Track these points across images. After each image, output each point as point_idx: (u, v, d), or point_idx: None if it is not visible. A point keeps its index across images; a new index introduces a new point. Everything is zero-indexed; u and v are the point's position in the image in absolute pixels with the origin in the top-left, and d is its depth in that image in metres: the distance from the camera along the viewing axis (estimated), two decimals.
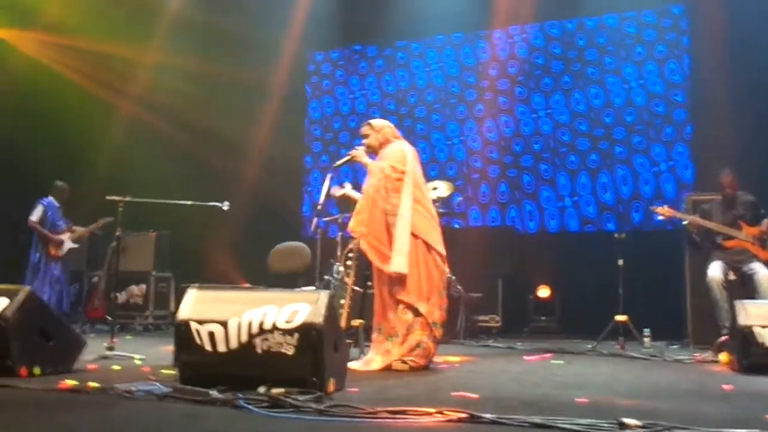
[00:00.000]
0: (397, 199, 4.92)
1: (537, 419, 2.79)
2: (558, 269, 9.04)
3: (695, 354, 6.06)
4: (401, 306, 4.83)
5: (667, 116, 9.23)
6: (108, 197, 5.77)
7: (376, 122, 5.34)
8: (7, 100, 9.49)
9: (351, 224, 5.07)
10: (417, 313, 4.82)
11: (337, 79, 11.20)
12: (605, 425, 2.69)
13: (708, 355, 5.87)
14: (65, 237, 8.10)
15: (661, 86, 9.30)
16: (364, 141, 5.28)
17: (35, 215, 8.00)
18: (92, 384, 3.61)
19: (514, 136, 9.97)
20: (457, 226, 9.55)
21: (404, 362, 4.74)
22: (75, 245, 8.24)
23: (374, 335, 5.02)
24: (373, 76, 10.93)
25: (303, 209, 10.87)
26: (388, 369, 4.72)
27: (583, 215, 9.51)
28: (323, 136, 11.10)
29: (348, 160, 5.35)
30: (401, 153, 5.11)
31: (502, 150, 10.00)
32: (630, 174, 9.32)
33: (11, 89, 9.54)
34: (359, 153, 5.26)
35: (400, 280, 4.82)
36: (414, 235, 4.89)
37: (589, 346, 6.57)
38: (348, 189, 5.55)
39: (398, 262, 4.78)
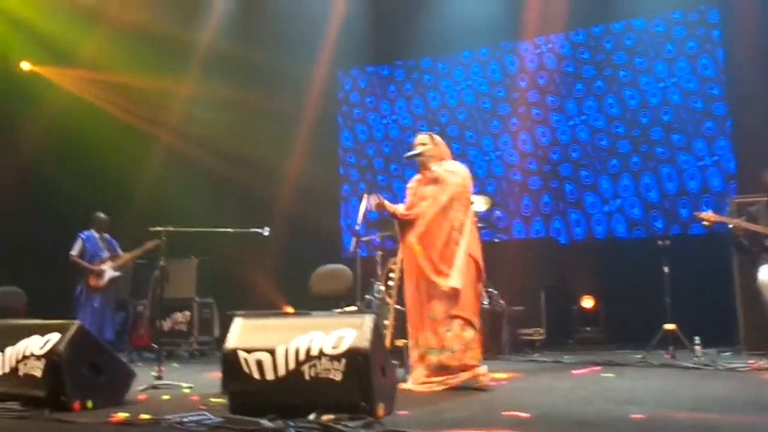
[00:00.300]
0: (464, 217, 4.95)
1: None
2: (601, 279, 8.91)
3: (749, 361, 5.91)
4: (459, 322, 4.79)
5: (705, 111, 9.10)
6: (151, 228, 5.86)
7: (437, 136, 5.30)
8: (49, 136, 9.71)
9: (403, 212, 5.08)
10: (474, 329, 4.81)
11: (367, 105, 11.24)
12: None
13: (764, 362, 5.71)
14: (106, 266, 8.17)
15: (695, 82, 9.18)
16: (422, 149, 5.17)
17: (74, 249, 8.13)
18: (144, 416, 3.65)
19: (551, 145, 9.90)
20: (497, 240, 9.48)
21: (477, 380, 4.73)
22: (117, 274, 8.23)
23: (413, 352, 4.98)
24: (403, 100, 10.94)
25: (340, 231, 10.91)
26: (444, 387, 4.69)
27: (629, 217, 9.37)
28: (358, 162, 11.16)
29: (417, 155, 5.20)
30: (468, 173, 5.16)
31: (540, 160, 9.93)
32: (674, 171, 9.18)
33: (52, 125, 9.76)
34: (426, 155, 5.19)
35: (455, 295, 4.80)
36: (470, 255, 4.90)
37: (639, 356, 6.45)
38: (382, 200, 5.48)
39: (457, 278, 4.79)
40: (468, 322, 4.80)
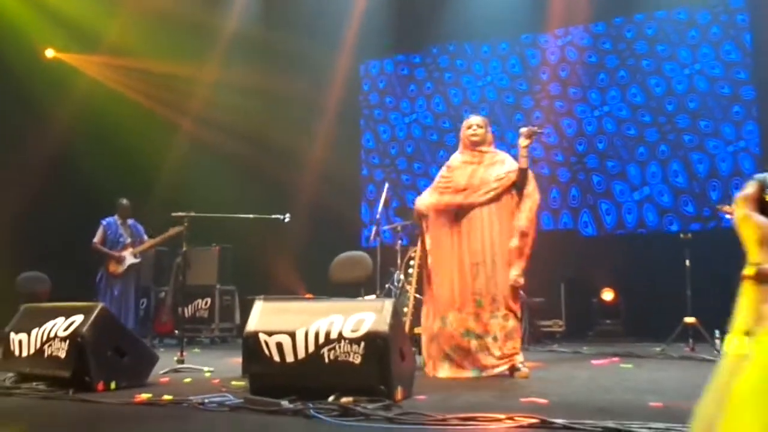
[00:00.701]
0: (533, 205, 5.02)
1: (610, 424, 2.74)
2: (621, 272, 8.86)
3: None
4: (504, 311, 4.81)
5: (733, 96, 9.01)
6: (173, 214, 5.92)
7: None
8: (74, 123, 9.83)
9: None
10: (517, 319, 4.86)
11: (389, 95, 11.22)
12: (682, 430, 2.62)
13: None
14: (126, 253, 8.18)
15: (721, 68, 9.10)
16: (478, 131, 5.15)
17: (96, 236, 8.17)
18: (166, 397, 3.71)
19: (577, 136, 9.84)
20: None
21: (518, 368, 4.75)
22: (136, 260, 8.17)
23: (431, 329, 4.96)
24: (423, 98, 10.93)
25: (361, 219, 10.93)
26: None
27: (659, 204, 9.29)
28: (380, 151, 11.15)
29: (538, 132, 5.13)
30: None
31: (566, 152, 9.88)
32: (705, 156, 9.09)
33: (77, 112, 9.88)
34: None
35: (514, 289, 4.86)
36: (530, 246, 5.02)
37: (658, 349, 6.42)
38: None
39: (520, 270, 4.88)
40: (513, 312, 4.82)
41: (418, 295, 6.21)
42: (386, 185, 7.77)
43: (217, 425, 3.06)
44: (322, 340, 3.52)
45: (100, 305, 4.41)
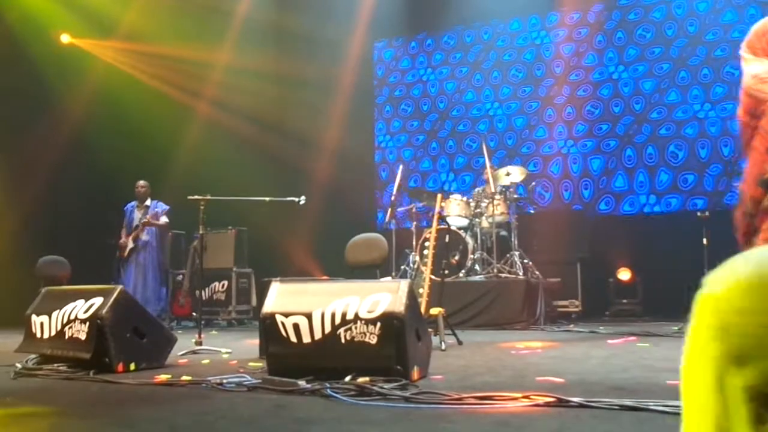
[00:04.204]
0: None
1: (628, 401, 2.74)
2: (638, 251, 8.84)
3: None
4: None
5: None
6: (189, 197, 5.94)
7: None
8: (90, 108, 9.89)
9: None
10: None
11: (404, 76, 11.21)
12: None
13: None
14: (130, 238, 8.17)
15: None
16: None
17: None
18: (185, 377, 3.76)
19: (599, 121, 9.78)
20: (532, 211, 9.44)
21: None
22: (131, 245, 8.10)
23: None
24: (437, 80, 10.89)
25: (376, 201, 10.95)
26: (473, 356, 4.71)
27: (683, 182, 9.23)
28: (394, 132, 11.14)
29: None
30: None
31: (586, 133, 9.85)
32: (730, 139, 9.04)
33: (93, 96, 9.93)
34: None
35: None
36: None
37: (675, 328, 6.40)
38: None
39: None
40: None
41: (433, 276, 6.22)
42: (401, 167, 7.78)
43: (235, 405, 3.09)
44: (338, 320, 3.54)
45: (119, 288, 4.46)
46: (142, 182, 8.31)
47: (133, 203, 8.34)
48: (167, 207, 8.21)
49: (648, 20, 9.62)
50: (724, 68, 9.07)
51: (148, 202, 8.31)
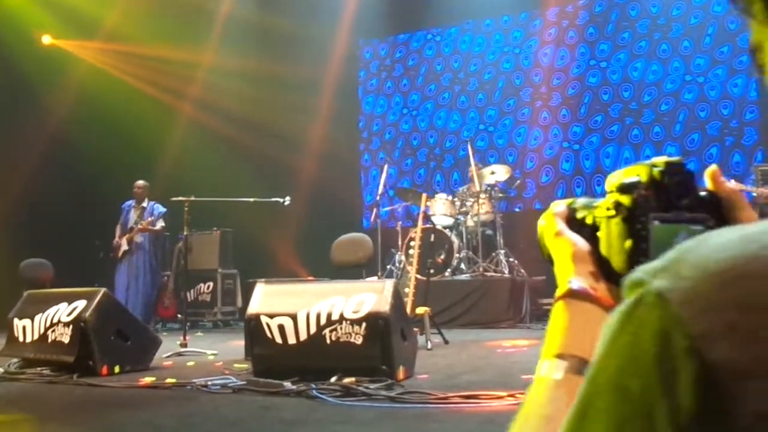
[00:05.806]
0: None
1: None
2: None
3: None
4: None
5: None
6: (173, 198, 5.92)
7: None
8: (72, 108, 9.80)
9: None
10: None
11: (387, 75, 11.19)
12: None
13: None
14: (124, 240, 8.05)
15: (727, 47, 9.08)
16: None
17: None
18: (170, 380, 3.74)
19: (573, 121, 9.83)
20: (518, 210, 9.46)
21: None
22: (125, 247, 7.99)
23: None
24: (421, 79, 10.89)
25: (361, 201, 10.94)
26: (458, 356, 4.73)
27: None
28: (379, 132, 11.13)
29: None
30: None
31: (564, 129, 9.89)
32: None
33: (75, 98, 9.85)
34: None
35: None
36: None
37: None
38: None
39: None
40: None
41: (419, 276, 6.23)
42: (386, 167, 7.78)
43: (220, 407, 3.08)
44: (323, 321, 3.54)
45: (102, 290, 4.43)
46: (140, 182, 8.17)
47: (131, 202, 8.20)
48: (164, 210, 8.03)
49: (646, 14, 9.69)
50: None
51: (145, 203, 8.15)
